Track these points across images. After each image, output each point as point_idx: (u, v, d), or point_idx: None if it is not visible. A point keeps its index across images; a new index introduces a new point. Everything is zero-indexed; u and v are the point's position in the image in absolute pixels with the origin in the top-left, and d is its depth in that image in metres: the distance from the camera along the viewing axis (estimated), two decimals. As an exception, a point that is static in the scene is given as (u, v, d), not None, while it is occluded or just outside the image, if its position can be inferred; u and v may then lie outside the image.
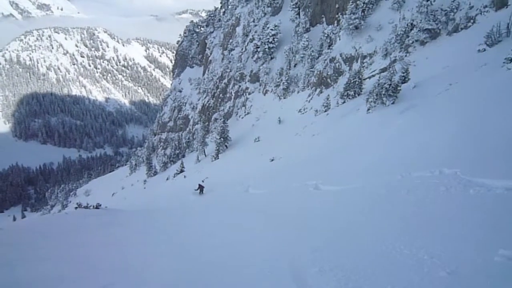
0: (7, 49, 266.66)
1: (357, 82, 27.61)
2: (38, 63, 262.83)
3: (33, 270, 7.00)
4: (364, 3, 35.64)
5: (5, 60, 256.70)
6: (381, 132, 16.26)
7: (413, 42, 28.24)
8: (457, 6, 26.09)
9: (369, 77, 29.44)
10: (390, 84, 19.88)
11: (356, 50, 35.35)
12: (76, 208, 17.86)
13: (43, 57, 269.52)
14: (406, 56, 27.69)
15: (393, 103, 19.92)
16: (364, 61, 33.68)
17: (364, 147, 15.21)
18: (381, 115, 19.21)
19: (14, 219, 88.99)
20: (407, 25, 29.11)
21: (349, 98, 28.73)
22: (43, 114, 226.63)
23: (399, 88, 20.07)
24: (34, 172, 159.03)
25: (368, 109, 21.44)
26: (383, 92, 20.19)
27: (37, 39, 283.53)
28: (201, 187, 24.22)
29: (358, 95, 27.81)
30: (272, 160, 25.06)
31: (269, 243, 7.74)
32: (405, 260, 5.05)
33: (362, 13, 35.65)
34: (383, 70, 28.48)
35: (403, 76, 21.73)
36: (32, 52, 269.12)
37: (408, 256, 5.12)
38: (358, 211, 8.09)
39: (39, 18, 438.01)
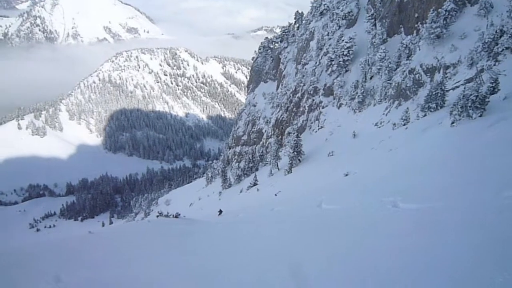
0: (100, 70, 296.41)
1: (439, 94, 26.02)
2: (126, 81, 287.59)
3: (124, 272, 7.61)
4: (446, 10, 33.65)
5: (99, 79, 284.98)
6: (468, 147, 15.07)
7: (503, 50, 25.89)
8: (557, 7, 23.57)
9: (453, 89, 27.60)
10: (477, 96, 18.43)
11: (437, 60, 33.41)
12: (157, 216, 18.93)
13: (131, 76, 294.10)
14: (495, 65, 25.45)
15: (480, 115, 18.42)
16: (447, 71, 31.67)
17: (448, 163, 14.15)
18: (467, 128, 17.83)
19: (103, 224, 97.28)
20: (496, 31, 26.80)
21: (431, 110, 27.15)
22: (130, 128, 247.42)
23: (487, 99, 18.52)
24: (121, 182, 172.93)
25: (452, 123, 20.05)
26: (469, 104, 18.76)
27: (126, 59, 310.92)
28: (220, 211, 27.71)
29: (441, 107, 26.17)
30: (346, 175, 24.33)
31: (340, 263, 7.54)
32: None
33: (444, 21, 33.66)
34: (469, 80, 26.51)
35: (492, 86, 19.99)
36: (122, 71, 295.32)
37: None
38: (442, 232, 7.50)
39: (128, 40, 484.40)
